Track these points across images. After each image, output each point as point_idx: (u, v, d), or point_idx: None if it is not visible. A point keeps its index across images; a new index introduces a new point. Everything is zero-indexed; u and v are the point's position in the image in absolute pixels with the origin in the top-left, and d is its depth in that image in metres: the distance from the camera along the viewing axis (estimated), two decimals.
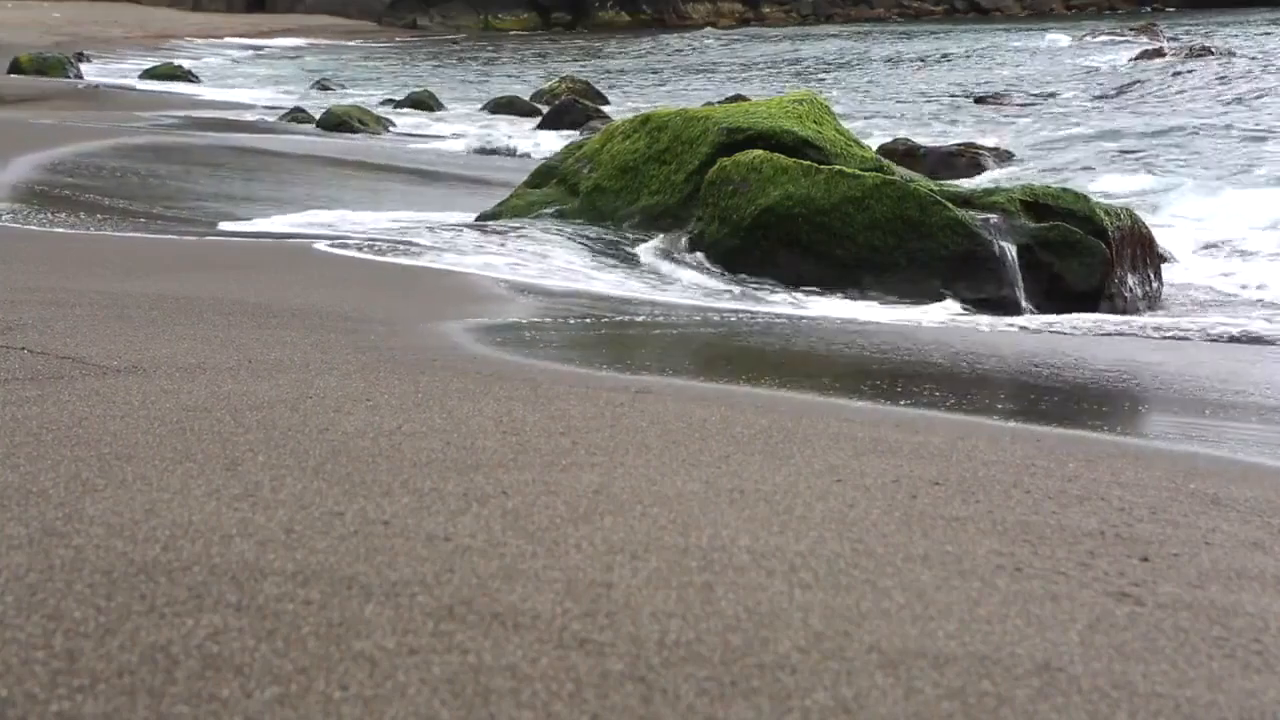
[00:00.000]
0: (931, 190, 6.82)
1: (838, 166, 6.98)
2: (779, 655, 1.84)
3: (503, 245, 7.04)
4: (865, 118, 19.18)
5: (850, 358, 4.96)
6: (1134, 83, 22.72)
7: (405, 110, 19.88)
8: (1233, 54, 26.56)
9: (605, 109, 19.79)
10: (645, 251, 7.24)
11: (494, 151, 14.73)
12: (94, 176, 9.35)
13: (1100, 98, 20.97)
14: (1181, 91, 20.93)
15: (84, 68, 26.71)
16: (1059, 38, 35.49)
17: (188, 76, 25.34)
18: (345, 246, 6.66)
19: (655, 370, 4.16)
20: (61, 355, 3.53)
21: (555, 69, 31.74)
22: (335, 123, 16.04)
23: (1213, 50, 26.68)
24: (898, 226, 6.61)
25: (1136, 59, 26.58)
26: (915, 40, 42.61)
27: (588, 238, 7.43)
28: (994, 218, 6.73)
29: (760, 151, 7.09)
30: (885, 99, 23.00)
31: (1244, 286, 7.68)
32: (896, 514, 2.52)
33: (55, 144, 10.65)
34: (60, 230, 6.91)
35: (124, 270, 5.43)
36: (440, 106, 20.62)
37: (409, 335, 4.33)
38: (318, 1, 64.40)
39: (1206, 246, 8.96)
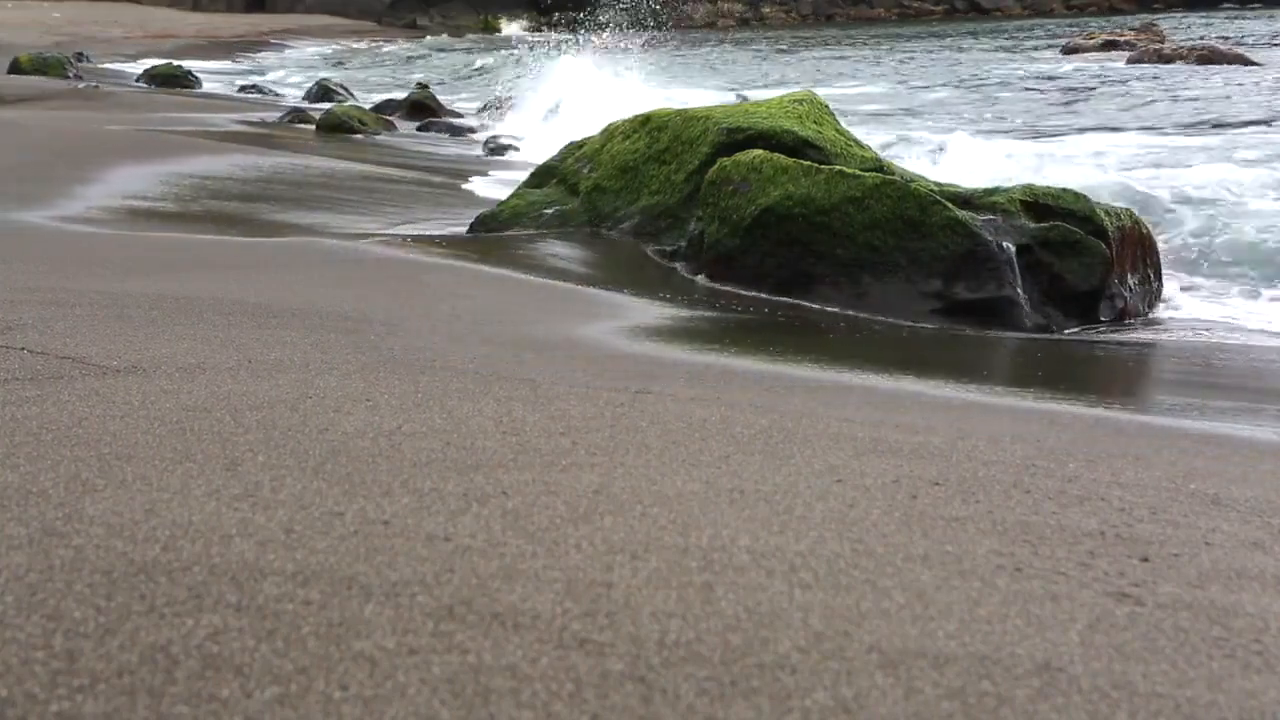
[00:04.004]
0: (931, 190, 6.81)
1: (838, 166, 6.98)
2: (779, 655, 1.84)
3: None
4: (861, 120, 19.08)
5: None
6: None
7: (405, 111, 19.86)
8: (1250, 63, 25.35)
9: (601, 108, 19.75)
10: (653, 253, 7.24)
11: (495, 151, 14.72)
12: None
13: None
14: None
15: (84, 68, 26.69)
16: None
17: (186, 78, 25.30)
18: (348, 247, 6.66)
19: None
20: (61, 355, 3.53)
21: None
22: (334, 124, 16.03)
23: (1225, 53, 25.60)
24: (897, 226, 6.60)
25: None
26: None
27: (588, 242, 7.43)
28: (994, 218, 6.73)
29: (760, 151, 7.09)
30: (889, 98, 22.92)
31: None
32: (896, 514, 2.52)
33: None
34: (59, 229, 6.90)
35: (124, 270, 5.43)
36: (440, 107, 20.61)
37: (409, 336, 4.33)
38: (317, 1, 64.45)
39: None
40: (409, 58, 41.32)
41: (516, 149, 14.81)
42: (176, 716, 1.59)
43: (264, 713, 1.61)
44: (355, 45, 49.38)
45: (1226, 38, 34.06)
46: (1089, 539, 2.46)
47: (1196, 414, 4.31)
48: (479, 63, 36.52)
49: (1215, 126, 15.51)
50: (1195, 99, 19.15)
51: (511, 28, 59.13)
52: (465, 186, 11.49)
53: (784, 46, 42.46)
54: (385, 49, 46.99)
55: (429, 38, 54.58)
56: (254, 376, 3.43)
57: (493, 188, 11.12)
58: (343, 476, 2.53)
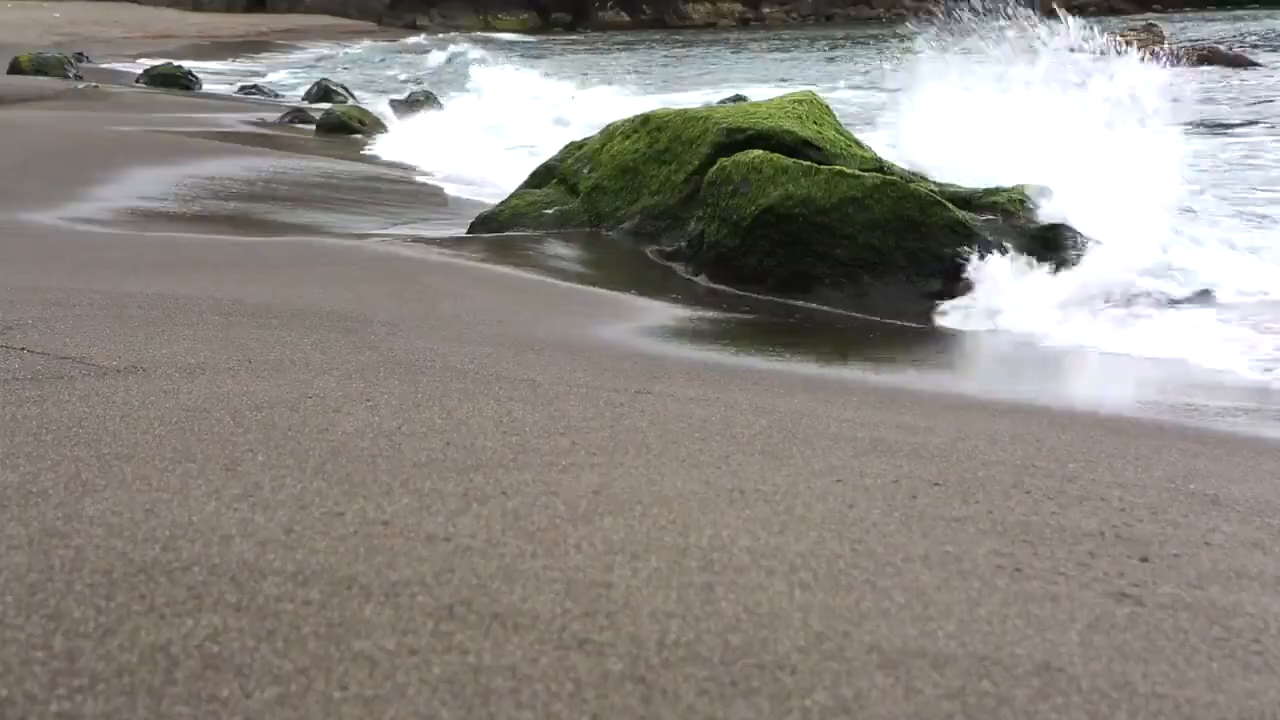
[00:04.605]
0: (932, 190, 6.81)
1: (838, 166, 6.97)
2: (779, 655, 1.84)
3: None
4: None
5: None
6: None
7: (406, 111, 19.84)
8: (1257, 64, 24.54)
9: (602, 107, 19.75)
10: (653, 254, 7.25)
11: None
12: None
13: None
14: None
15: (84, 68, 26.67)
16: None
17: (186, 78, 25.28)
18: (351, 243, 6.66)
19: None
20: (61, 355, 3.53)
21: (555, 69, 31.69)
22: (334, 124, 16.03)
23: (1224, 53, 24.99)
24: (897, 226, 6.60)
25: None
26: None
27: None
28: (994, 218, 6.73)
29: (760, 151, 7.08)
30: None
31: None
32: (896, 514, 2.52)
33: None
34: (57, 229, 6.90)
35: (124, 270, 5.43)
36: (440, 107, 20.60)
37: (409, 336, 4.33)
38: (317, 1, 64.44)
39: None
40: (409, 58, 41.20)
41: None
42: (176, 716, 1.59)
43: (264, 713, 1.61)
44: (355, 45, 49.35)
45: (1240, 38, 33.92)
46: (1089, 539, 2.46)
47: (1197, 414, 4.31)
48: (429, 63, 35.46)
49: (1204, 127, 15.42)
50: (1190, 100, 19.02)
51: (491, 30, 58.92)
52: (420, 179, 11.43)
53: (751, 47, 42.46)
54: (386, 49, 46.86)
55: (406, 39, 54.24)
56: (254, 376, 3.43)
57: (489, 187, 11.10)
58: (343, 476, 2.54)
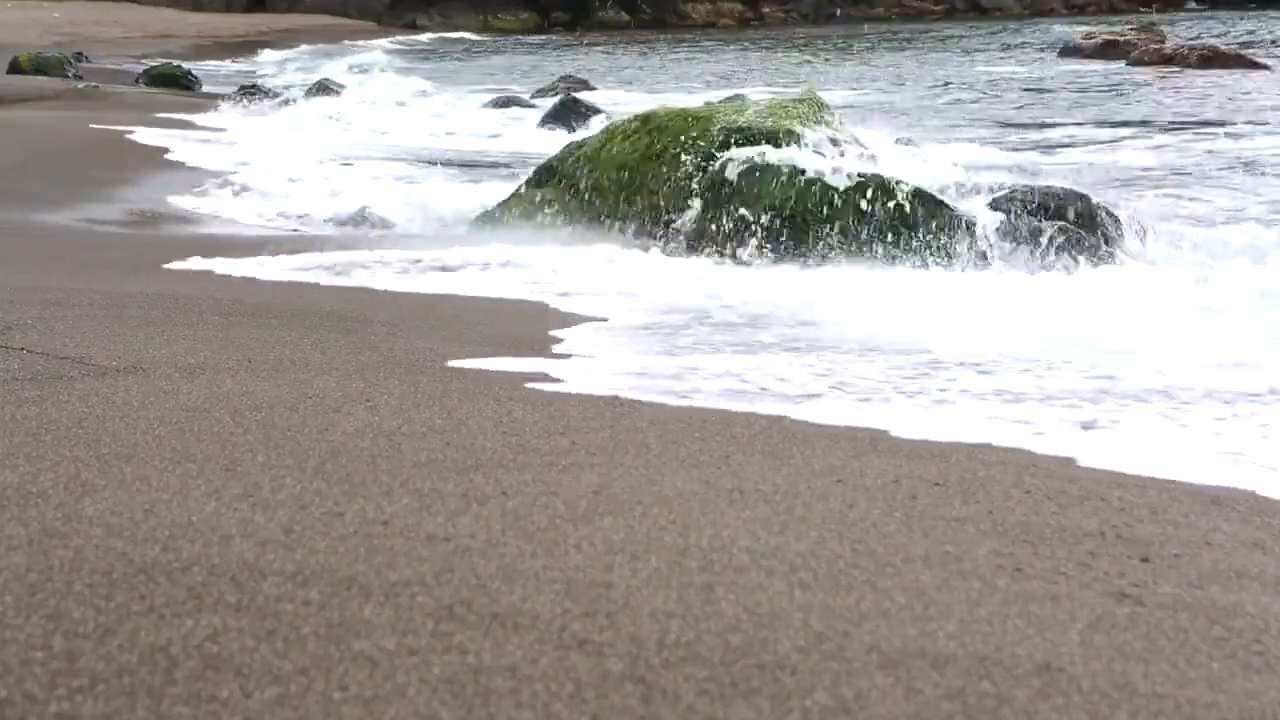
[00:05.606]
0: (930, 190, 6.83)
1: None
2: (779, 655, 1.84)
3: None
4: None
5: None
6: None
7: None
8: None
9: (604, 107, 19.76)
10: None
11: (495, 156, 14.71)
12: None
13: None
14: None
15: (83, 68, 26.65)
16: None
17: (186, 78, 25.26)
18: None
19: None
20: (61, 355, 3.53)
21: (555, 68, 31.69)
22: None
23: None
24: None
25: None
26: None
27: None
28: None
29: None
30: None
31: None
32: (896, 514, 2.52)
33: None
34: (57, 228, 6.90)
35: (124, 270, 5.43)
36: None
37: (409, 336, 4.33)
38: (317, 1, 64.36)
39: None
40: (408, 58, 41.09)
41: (516, 149, 14.78)
42: (176, 717, 1.59)
43: (264, 713, 1.61)
44: (355, 45, 49.29)
45: (1252, 37, 33.64)
46: (1089, 539, 2.46)
47: None
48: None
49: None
50: (1180, 102, 18.91)
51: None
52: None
53: (746, 47, 42.42)
54: (384, 49, 46.74)
55: (383, 40, 53.68)
56: (254, 376, 3.43)
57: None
58: (343, 477, 2.54)
